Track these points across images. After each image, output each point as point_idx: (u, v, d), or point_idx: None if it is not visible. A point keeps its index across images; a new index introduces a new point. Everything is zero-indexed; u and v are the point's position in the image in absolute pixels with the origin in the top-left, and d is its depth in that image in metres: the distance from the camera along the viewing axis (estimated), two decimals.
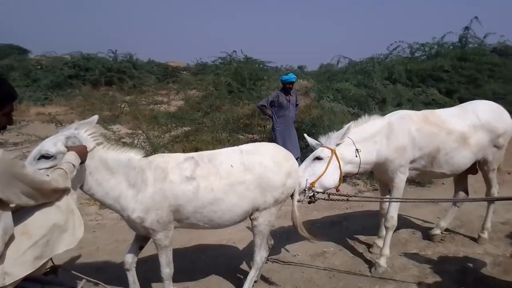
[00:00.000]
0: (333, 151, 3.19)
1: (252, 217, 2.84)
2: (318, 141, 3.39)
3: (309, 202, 3.11)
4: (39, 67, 15.21)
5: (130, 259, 2.79)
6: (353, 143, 3.26)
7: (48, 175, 1.91)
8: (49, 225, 1.90)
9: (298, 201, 3.07)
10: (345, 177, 6.39)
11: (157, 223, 2.55)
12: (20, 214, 1.87)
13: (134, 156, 2.61)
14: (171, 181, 2.55)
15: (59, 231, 1.95)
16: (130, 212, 2.50)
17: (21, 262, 1.78)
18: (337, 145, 3.23)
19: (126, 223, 2.73)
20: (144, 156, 2.69)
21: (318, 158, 3.18)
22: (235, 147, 2.94)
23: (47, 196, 1.90)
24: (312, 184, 3.07)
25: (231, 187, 2.65)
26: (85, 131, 2.42)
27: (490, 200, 3.96)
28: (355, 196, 3.61)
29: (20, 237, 1.80)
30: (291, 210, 3.03)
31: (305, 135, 3.73)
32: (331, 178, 3.15)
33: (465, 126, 3.54)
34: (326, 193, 3.12)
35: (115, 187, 2.49)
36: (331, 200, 3.18)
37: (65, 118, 8.55)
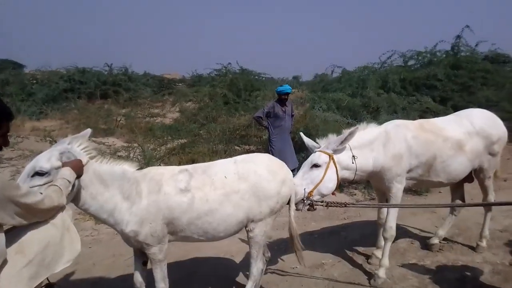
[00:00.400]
0: (331, 157, 3.16)
1: (247, 228, 2.82)
2: (316, 142, 3.35)
3: (308, 210, 3.08)
4: (35, 81, 15.20)
5: (139, 278, 2.75)
6: (350, 149, 3.24)
7: (41, 193, 1.88)
8: (44, 243, 1.87)
9: (297, 209, 3.05)
10: (342, 187, 6.47)
11: (151, 236, 2.52)
12: (14, 233, 1.84)
13: (128, 168, 2.60)
14: (165, 193, 2.54)
15: (55, 249, 1.92)
16: (124, 226, 2.48)
17: (16, 282, 1.74)
18: (335, 150, 3.19)
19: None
20: (138, 169, 2.68)
21: (315, 166, 3.14)
22: (230, 158, 2.95)
23: (42, 215, 1.88)
24: (310, 193, 3.05)
25: (226, 197, 2.64)
26: (78, 145, 2.40)
27: (490, 205, 3.96)
28: (353, 205, 3.58)
29: (15, 257, 1.76)
30: (289, 221, 3.01)
31: (301, 134, 3.68)
32: (328, 185, 3.13)
33: (460, 133, 3.56)
34: (324, 201, 3.08)
35: (109, 200, 2.47)
36: (330, 206, 3.13)
37: (60, 132, 8.52)
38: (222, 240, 2.92)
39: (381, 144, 3.35)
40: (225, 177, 2.70)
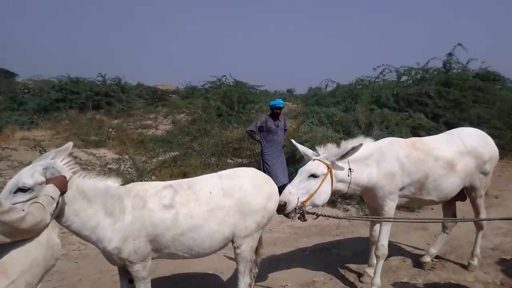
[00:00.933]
0: (329, 168, 3.11)
1: (234, 244, 2.79)
2: (315, 151, 3.28)
3: (299, 219, 3.03)
4: (26, 90, 15.09)
5: None
6: (348, 162, 3.20)
7: (23, 210, 1.82)
8: (28, 262, 1.81)
9: (288, 217, 3.02)
10: (335, 202, 6.44)
11: (134, 253, 2.47)
12: None
13: (111, 184, 2.56)
14: (149, 209, 2.50)
15: (39, 268, 1.86)
16: (107, 243, 2.43)
17: None
18: (333, 162, 3.15)
19: None
20: (122, 184, 2.64)
21: (313, 176, 3.07)
22: (215, 173, 2.92)
23: (25, 233, 1.81)
24: (304, 202, 2.99)
25: (210, 213, 2.61)
26: (61, 159, 2.34)
27: (488, 220, 3.94)
28: (344, 218, 3.54)
29: None
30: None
31: (293, 141, 3.63)
32: (322, 196, 3.08)
33: (452, 152, 3.56)
34: (316, 213, 3.04)
35: (92, 217, 2.41)
36: (320, 216, 3.06)
37: (51, 143, 8.41)
38: (211, 257, 2.87)
39: (375, 160, 3.33)
40: (210, 192, 2.68)
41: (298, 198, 2.99)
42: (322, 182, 3.06)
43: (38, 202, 1.94)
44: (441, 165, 3.47)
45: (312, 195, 3.03)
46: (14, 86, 15.30)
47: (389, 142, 3.51)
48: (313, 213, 3.05)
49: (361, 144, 3.12)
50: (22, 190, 2.07)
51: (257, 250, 3.14)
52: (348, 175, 3.19)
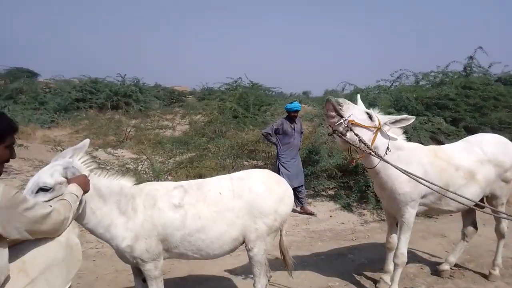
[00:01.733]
0: (379, 127, 3.12)
1: (246, 247, 2.78)
2: (367, 110, 3.23)
3: (334, 133, 3.07)
4: (48, 90, 15.46)
5: None
6: (389, 140, 3.16)
7: (50, 206, 1.86)
8: (47, 262, 1.84)
9: (334, 131, 3.06)
10: (351, 206, 6.37)
11: (146, 252, 2.50)
12: (18, 249, 1.81)
13: (125, 183, 2.60)
14: (159, 209, 2.53)
15: (58, 268, 1.89)
16: (120, 241, 2.46)
17: None
18: (383, 124, 3.14)
19: None
20: (135, 184, 2.68)
21: (368, 114, 3.12)
22: (226, 175, 2.92)
23: (48, 230, 1.84)
24: (352, 121, 3.00)
25: (219, 214, 2.61)
26: (79, 158, 2.37)
27: None
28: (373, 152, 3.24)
29: (17, 276, 1.73)
30: (279, 239, 3.02)
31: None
32: (364, 136, 3.04)
33: (471, 161, 3.46)
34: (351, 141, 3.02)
35: (106, 215, 2.46)
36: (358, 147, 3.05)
37: (70, 142, 8.58)
38: (226, 259, 2.87)
39: (404, 159, 3.23)
40: (220, 193, 2.68)
41: (352, 114, 3.02)
42: (367, 128, 3.07)
43: (64, 199, 1.97)
44: (461, 175, 3.38)
45: (360, 125, 3.04)
46: (36, 85, 15.68)
47: (415, 146, 3.44)
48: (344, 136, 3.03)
49: (414, 117, 3.17)
50: (43, 189, 2.10)
51: (284, 258, 3.14)
52: (386, 153, 3.13)
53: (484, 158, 3.50)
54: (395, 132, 3.27)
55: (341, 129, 3.03)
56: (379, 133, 3.13)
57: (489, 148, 3.57)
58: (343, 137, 3.03)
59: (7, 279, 1.69)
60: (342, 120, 3.00)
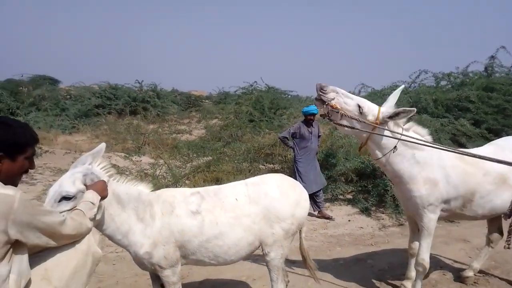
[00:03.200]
0: (377, 122, 2.99)
1: (263, 252, 2.77)
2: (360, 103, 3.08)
3: (324, 116, 3.03)
4: (68, 97, 15.84)
5: None
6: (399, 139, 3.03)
7: (63, 215, 1.87)
8: (70, 270, 1.86)
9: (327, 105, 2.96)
10: (369, 211, 6.27)
11: (164, 259, 2.51)
12: (41, 256, 1.83)
13: (143, 189, 2.61)
14: (177, 215, 2.54)
15: (81, 275, 1.91)
16: (138, 248, 2.48)
17: None
18: (388, 117, 2.99)
19: None
20: (152, 190, 2.70)
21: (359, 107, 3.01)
22: (242, 180, 2.93)
23: (69, 237, 1.86)
24: (335, 106, 2.93)
25: (236, 220, 2.61)
26: (98, 164, 2.36)
27: None
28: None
29: (40, 282, 1.76)
30: (300, 242, 3.02)
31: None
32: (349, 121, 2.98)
33: (502, 165, 3.32)
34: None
35: (124, 221, 2.47)
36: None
37: (91, 147, 8.74)
38: (243, 264, 2.86)
39: (422, 159, 3.13)
40: (236, 199, 2.68)
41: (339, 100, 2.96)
42: (362, 122, 2.96)
43: (77, 209, 1.98)
44: (490, 180, 3.21)
45: (345, 110, 2.95)
46: (57, 92, 16.07)
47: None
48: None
49: (414, 110, 2.99)
50: (66, 198, 2.09)
51: (305, 261, 3.14)
52: (393, 151, 3.04)
53: None
54: (418, 131, 3.18)
55: (326, 112, 3.00)
56: (384, 131, 3.01)
57: None
58: (331, 118, 2.99)
59: (28, 283, 1.72)
60: (324, 105, 2.97)
